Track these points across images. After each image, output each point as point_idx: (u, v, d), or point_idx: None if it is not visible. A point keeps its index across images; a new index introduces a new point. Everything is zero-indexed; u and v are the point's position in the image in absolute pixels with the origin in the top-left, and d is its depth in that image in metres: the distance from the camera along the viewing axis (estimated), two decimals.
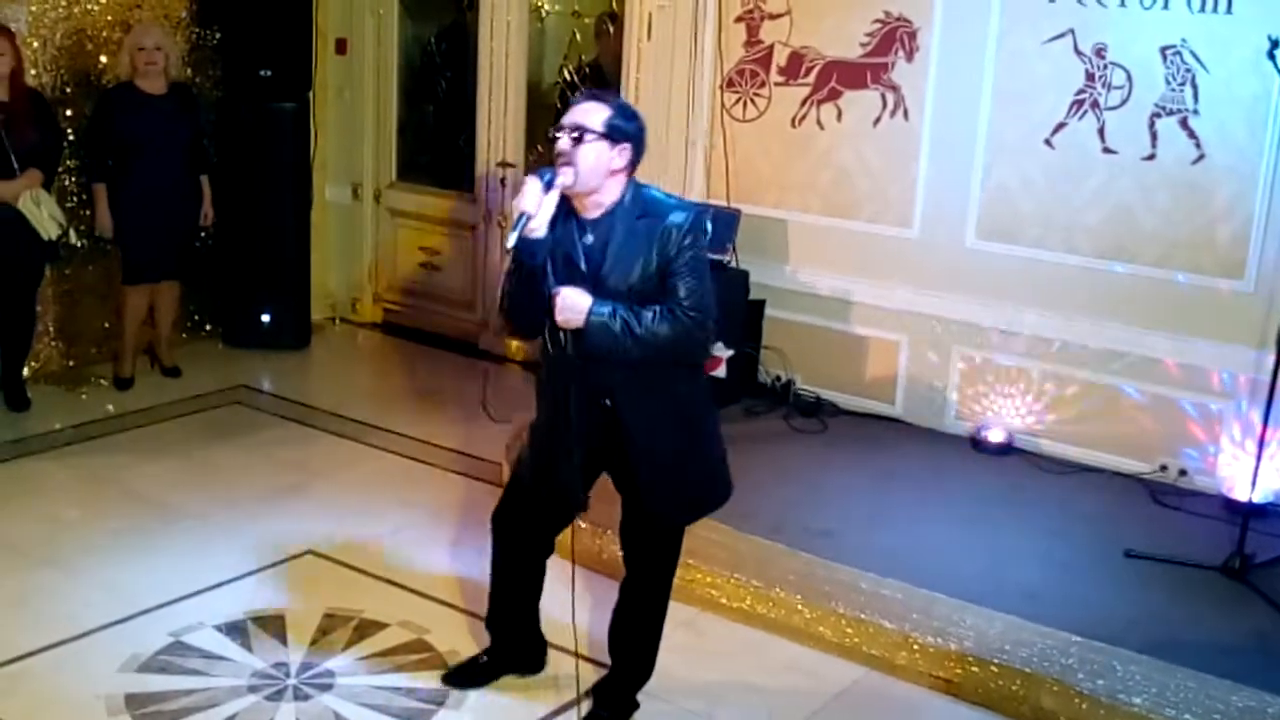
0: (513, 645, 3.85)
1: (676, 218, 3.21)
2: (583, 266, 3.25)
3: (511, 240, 3.13)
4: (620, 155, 3.22)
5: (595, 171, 3.20)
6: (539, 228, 3.18)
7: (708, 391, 3.51)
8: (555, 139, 3.24)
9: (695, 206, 3.34)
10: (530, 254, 3.19)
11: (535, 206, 3.15)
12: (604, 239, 3.24)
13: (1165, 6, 5.02)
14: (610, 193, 3.25)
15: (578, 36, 7.31)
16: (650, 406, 3.33)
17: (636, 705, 3.74)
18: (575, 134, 3.19)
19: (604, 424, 3.35)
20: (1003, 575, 4.35)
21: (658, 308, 3.19)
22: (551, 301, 3.23)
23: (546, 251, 3.23)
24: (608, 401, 3.32)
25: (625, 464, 3.40)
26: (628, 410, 3.32)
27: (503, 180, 6.90)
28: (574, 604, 3.56)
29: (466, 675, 3.86)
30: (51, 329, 6.43)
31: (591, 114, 3.21)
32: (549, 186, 3.17)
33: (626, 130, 3.23)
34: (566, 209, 3.28)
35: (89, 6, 6.38)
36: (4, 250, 5.66)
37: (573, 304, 3.20)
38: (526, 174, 3.21)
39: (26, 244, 5.70)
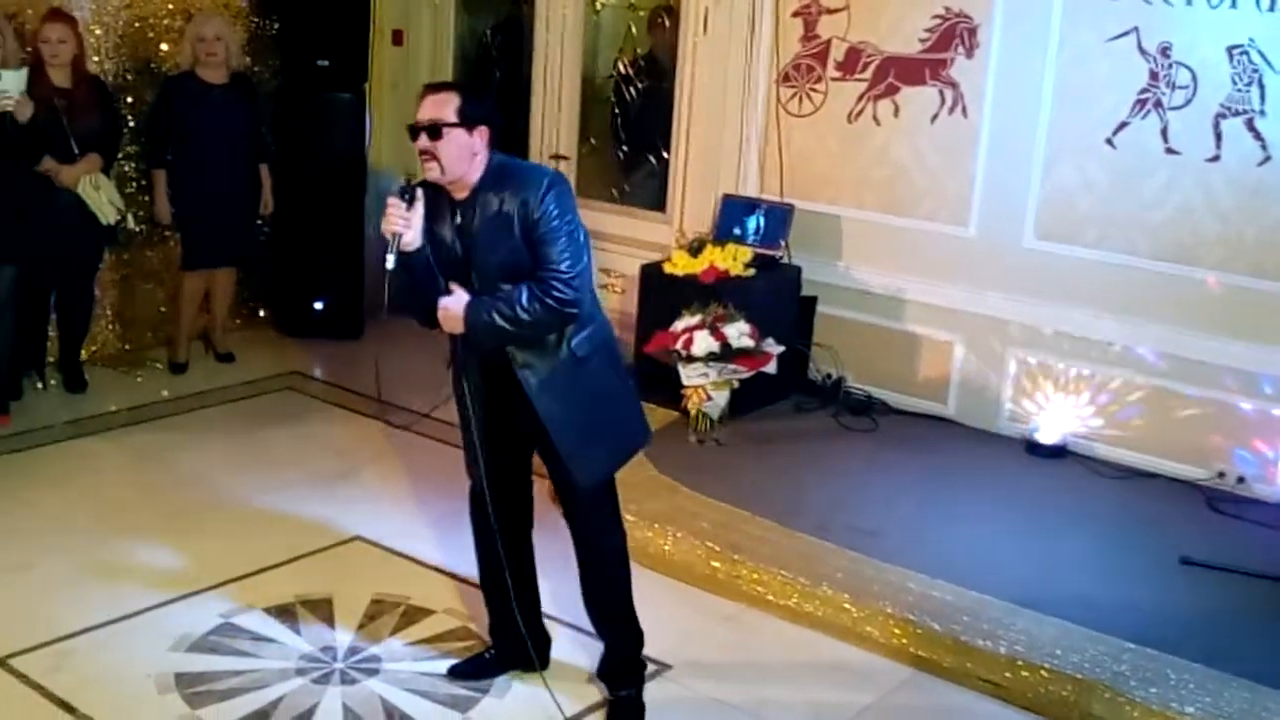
0: (512, 642, 3.76)
1: (530, 188, 3.27)
2: (458, 251, 3.35)
3: (390, 263, 3.26)
4: (479, 138, 3.31)
5: (459, 160, 3.29)
6: (413, 241, 3.29)
7: (604, 335, 3.50)
8: (414, 139, 3.29)
9: (549, 171, 3.43)
10: (410, 268, 3.30)
11: (403, 225, 3.26)
12: (472, 218, 3.33)
13: (1233, 5, 4.92)
14: (475, 173, 3.33)
15: (633, 29, 7.28)
16: (552, 376, 3.37)
17: (644, 666, 3.71)
18: (433, 130, 3.25)
19: (514, 398, 3.40)
20: (1055, 579, 4.29)
21: (527, 286, 3.25)
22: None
23: (427, 254, 3.32)
24: (512, 366, 3.36)
25: (544, 436, 3.44)
26: (533, 386, 3.36)
27: None
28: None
29: (472, 670, 3.85)
30: (109, 313, 6.52)
31: (443, 106, 3.29)
32: (410, 202, 3.29)
33: (480, 113, 3.31)
34: (440, 196, 3.36)
35: None
36: (63, 234, 5.73)
37: (451, 315, 3.30)
38: (389, 196, 3.33)
39: (85, 228, 5.77)
